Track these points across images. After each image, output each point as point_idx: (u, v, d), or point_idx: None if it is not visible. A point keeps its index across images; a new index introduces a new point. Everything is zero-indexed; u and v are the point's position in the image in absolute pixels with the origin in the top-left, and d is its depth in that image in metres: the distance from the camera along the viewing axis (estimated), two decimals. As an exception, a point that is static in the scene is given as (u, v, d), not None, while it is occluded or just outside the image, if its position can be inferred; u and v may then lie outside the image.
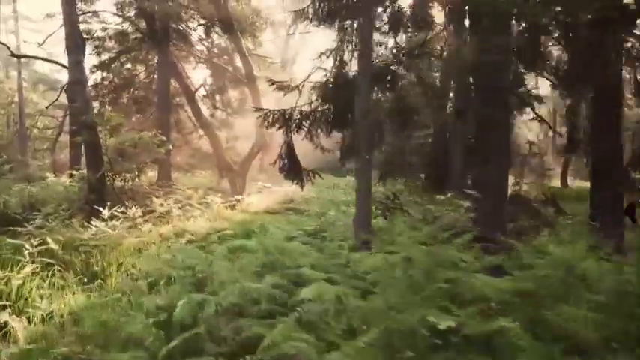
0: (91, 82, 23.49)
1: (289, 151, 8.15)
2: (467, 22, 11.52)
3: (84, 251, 8.43)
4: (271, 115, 8.16)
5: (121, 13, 20.55)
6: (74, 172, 18.80)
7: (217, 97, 22.52)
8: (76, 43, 13.19)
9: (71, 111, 20.92)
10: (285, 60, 30.60)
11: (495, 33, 7.31)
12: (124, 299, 6.38)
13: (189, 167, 25.47)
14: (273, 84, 8.27)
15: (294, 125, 8.10)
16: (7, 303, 6.27)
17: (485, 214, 7.87)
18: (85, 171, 20.46)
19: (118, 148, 13.01)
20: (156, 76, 23.69)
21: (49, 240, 8.00)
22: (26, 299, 6.52)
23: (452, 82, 16.50)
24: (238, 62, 22.34)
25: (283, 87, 8.28)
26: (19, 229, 9.26)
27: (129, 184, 14.26)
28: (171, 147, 16.51)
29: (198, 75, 24.82)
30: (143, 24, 20.92)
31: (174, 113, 23.35)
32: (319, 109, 8.13)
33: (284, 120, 8.04)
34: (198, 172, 26.14)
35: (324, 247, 6.54)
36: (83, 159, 22.84)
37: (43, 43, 20.24)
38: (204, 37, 22.34)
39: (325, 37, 52.34)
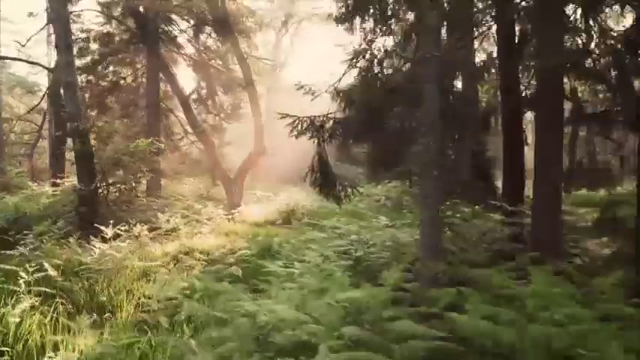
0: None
1: (322, 163, 7.26)
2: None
3: (86, 277, 7.40)
4: (300, 123, 7.26)
5: (107, 13, 19.35)
6: (58, 181, 17.69)
7: (209, 101, 21.42)
8: (66, 42, 12.09)
9: (57, 117, 19.77)
10: (275, 63, 29.51)
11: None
12: (142, 340, 5.43)
13: (177, 174, 24.29)
14: (301, 87, 7.39)
15: (327, 134, 7.22)
16: (4, 349, 5.26)
17: (541, 234, 7.09)
18: (70, 180, 19.37)
19: (112, 156, 11.93)
20: (144, 79, 22.60)
21: (46, 265, 6.95)
22: (26, 341, 5.51)
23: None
24: (231, 65, 21.39)
25: (313, 91, 7.40)
26: (9, 251, 8.17)
27: (124, 196, 13.12)
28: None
29: (188, 78, 23.77)
30: (130, 24, 19.86)
31: (163, 118, 22.26)
32: (354, 116, 7.26)
33: (316, 128, 7.16)
34: (186, 179, 25.01)
35: (378, 277, 5.67)
36: (67, 167, 21.71)
37: (26, 43, 18.94)
38: (195, 37, 21.27)
39: (320, 39, 51.08)
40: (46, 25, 20.04)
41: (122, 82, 21.34)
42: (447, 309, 4.32)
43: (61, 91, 19.62)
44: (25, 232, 8.89)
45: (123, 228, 8.66)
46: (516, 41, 9.86)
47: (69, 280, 7.28)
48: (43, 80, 36.64)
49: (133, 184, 12.24)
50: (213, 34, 20.84)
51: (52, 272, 6.94)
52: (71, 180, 19.33)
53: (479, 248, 7.44)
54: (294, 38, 30.45)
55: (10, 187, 24.17)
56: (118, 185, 12.43)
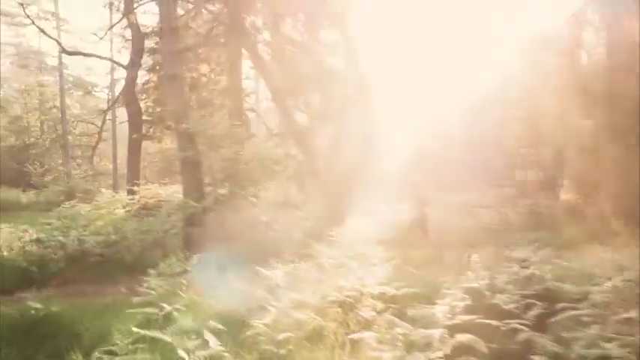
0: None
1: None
2: None
3: (256, 347, 5.03)
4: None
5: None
6: (135, 189, 15.98)
7: (300, 98, 19.04)
8: (171, 27, 9.94)
9: (132, 118, 18.02)
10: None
11: None
12: None
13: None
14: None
15: None
16: None
17: None
18: (147, 187, 17.42)
19: (227, 166, 9.72)
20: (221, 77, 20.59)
21: (207, 336, 4.61)
22: None
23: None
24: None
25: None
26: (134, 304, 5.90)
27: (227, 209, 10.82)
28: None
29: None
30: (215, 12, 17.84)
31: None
32: None
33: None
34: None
35: None
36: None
37: (105, 35, 17.11)
38: (275, 28, 19.01)
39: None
40: (122, 18, 18.22)
41: (203, 78, 19.30)
42: None
43: (121, 87, 17.94)
44: (148, 269, 6.66)
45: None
46: None
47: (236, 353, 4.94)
48: (101, 81, 35.52)
49: (254, 199, 9.97)
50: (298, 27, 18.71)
51: (217, 347, 4.63)
52: (148, 187, 17.37)
53: None
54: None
55: (76, 192, 22.65)
56: (229, 200, 10.16)
